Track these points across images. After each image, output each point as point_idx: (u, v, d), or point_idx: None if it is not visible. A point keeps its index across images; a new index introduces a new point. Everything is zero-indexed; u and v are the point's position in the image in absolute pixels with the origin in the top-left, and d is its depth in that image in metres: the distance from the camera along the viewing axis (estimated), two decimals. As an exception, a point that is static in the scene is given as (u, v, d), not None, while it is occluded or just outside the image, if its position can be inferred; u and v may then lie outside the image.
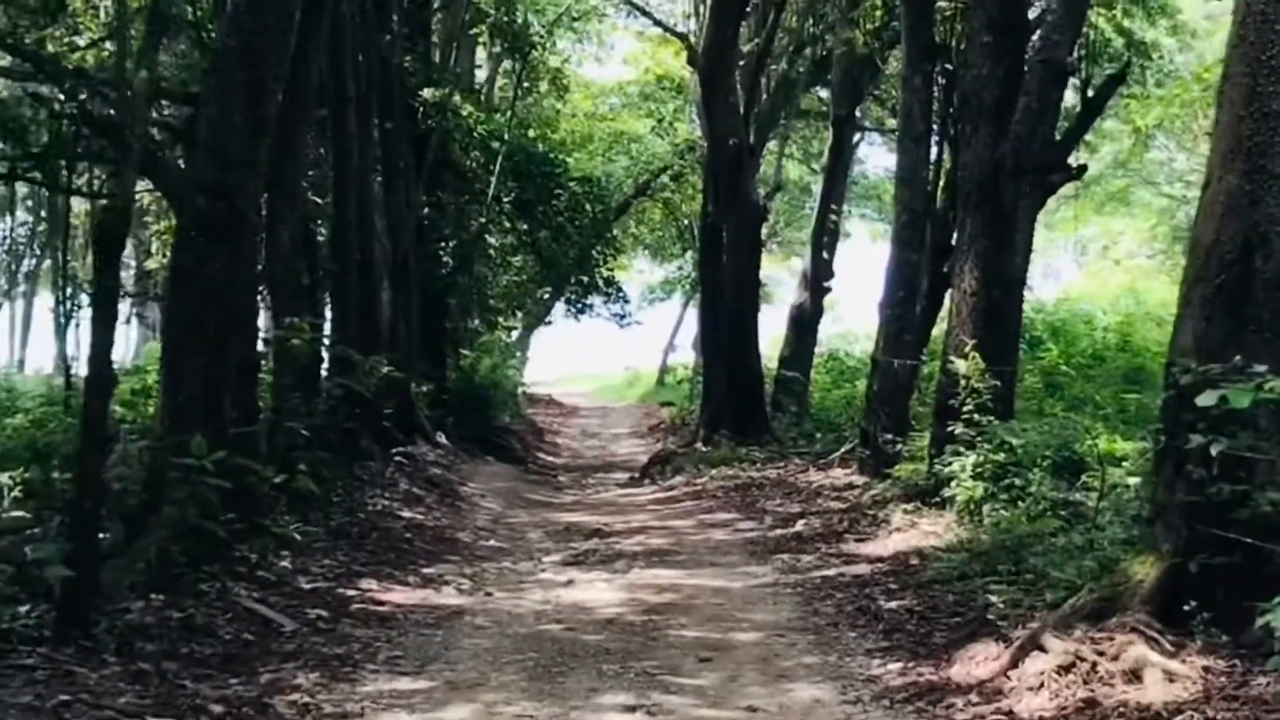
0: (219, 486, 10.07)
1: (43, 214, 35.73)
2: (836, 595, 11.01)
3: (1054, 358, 26.29)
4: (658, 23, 33.45)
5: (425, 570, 12.29)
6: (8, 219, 40.22)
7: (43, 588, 8.45)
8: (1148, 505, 8.41)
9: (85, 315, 30.66)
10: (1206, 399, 7.29)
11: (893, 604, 10.42)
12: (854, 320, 42.70)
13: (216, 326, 10.70)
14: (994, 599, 9.62)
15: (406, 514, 15.62)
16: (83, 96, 19.09)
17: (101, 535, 11.19)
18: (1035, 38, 14.78)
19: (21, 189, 29.07)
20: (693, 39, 27.65)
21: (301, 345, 13.25)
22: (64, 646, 7.86)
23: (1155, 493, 8.17)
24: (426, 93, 24.65)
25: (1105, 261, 46.14)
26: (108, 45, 20.84)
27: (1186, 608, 7.46)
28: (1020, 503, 12.45)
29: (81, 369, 10.65)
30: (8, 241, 41.94)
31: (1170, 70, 33.64)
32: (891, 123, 36.40)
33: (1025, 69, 14.27)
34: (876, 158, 47.34)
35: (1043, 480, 12.64)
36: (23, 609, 8.27)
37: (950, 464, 13.25)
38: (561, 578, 12.17)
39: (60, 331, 20.98)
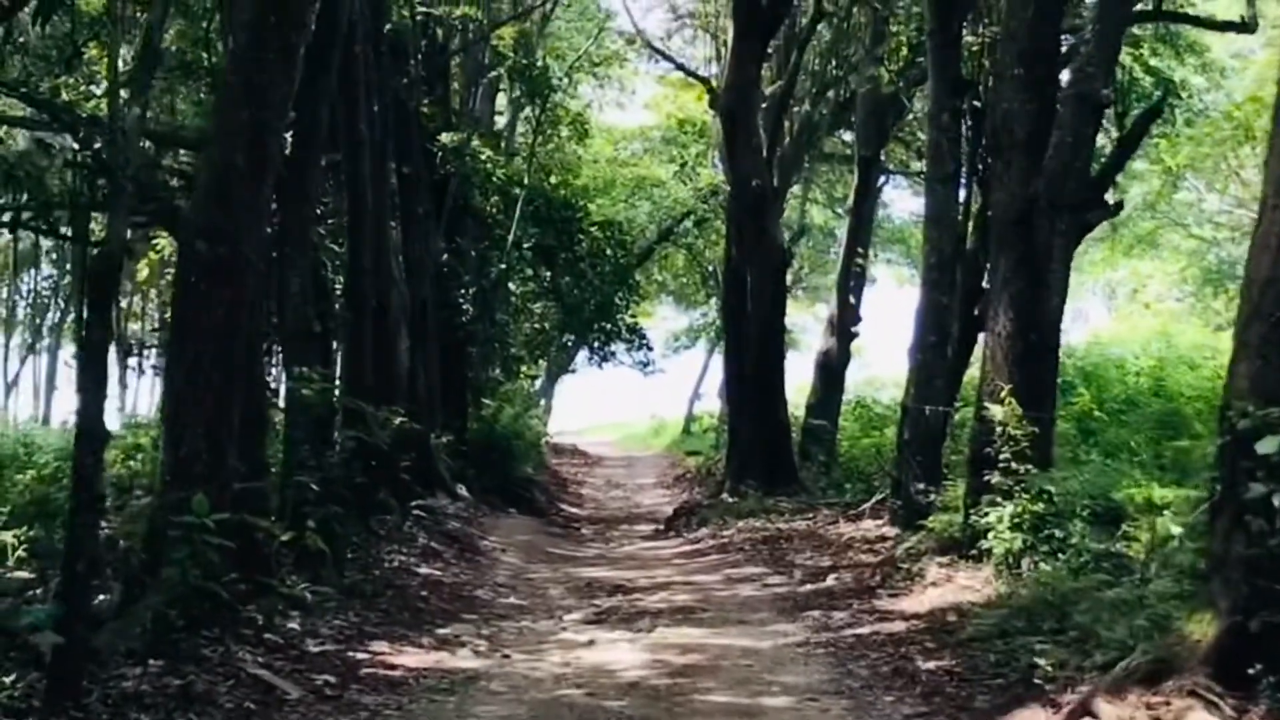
0: (221, 546, 9.57)
1: (67, 267, 35.65)
2: (871, 655, 10.45)
3: (1086, 403, 25.64)
4: (679, 66, 33.09)
5: (441, 630, 11.77)
6: (32, 272, 40.45)
7: (35, 654, 7.98)
8: (1203, 559, 7.90)
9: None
10: (1267, 445, 6.83)
11: (931, 664, 9.86)
12: (881, 366, 42.29)
13: (219, 377, 10.23)
14: (1039, 660, 9.06)
15: (423, 570, 15.13)
16: (97, 145, 18.86)
17: (102, 597, 10.86)
18: (1068, 71, 14.31)
19: (46, 243, 28.84)
20: (714, 82, 27.31)
21: (312, 396, 12.77)
22: (54, 717, 7.42)
23: (1211, 546, 7.65)
24: (445, 137, 24.34)
25: (1135, 305, 45.54)
26: (123, 93, 20.73)
27: (1250, 670, 6.92)
28: (1061, 555, 11.91)
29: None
30: (32, 295, 42.24)
31: (1200, 109, 33.22)
32: (916, 165, 36.18)
33: (1058, 103, 13.79)
34: (901, 201, 47.11)
35: (1084, 532, 12.13)
36: (8, 679, 7.79)
37: (987, 515, 12.68)
38: (583, 637, 11.63)
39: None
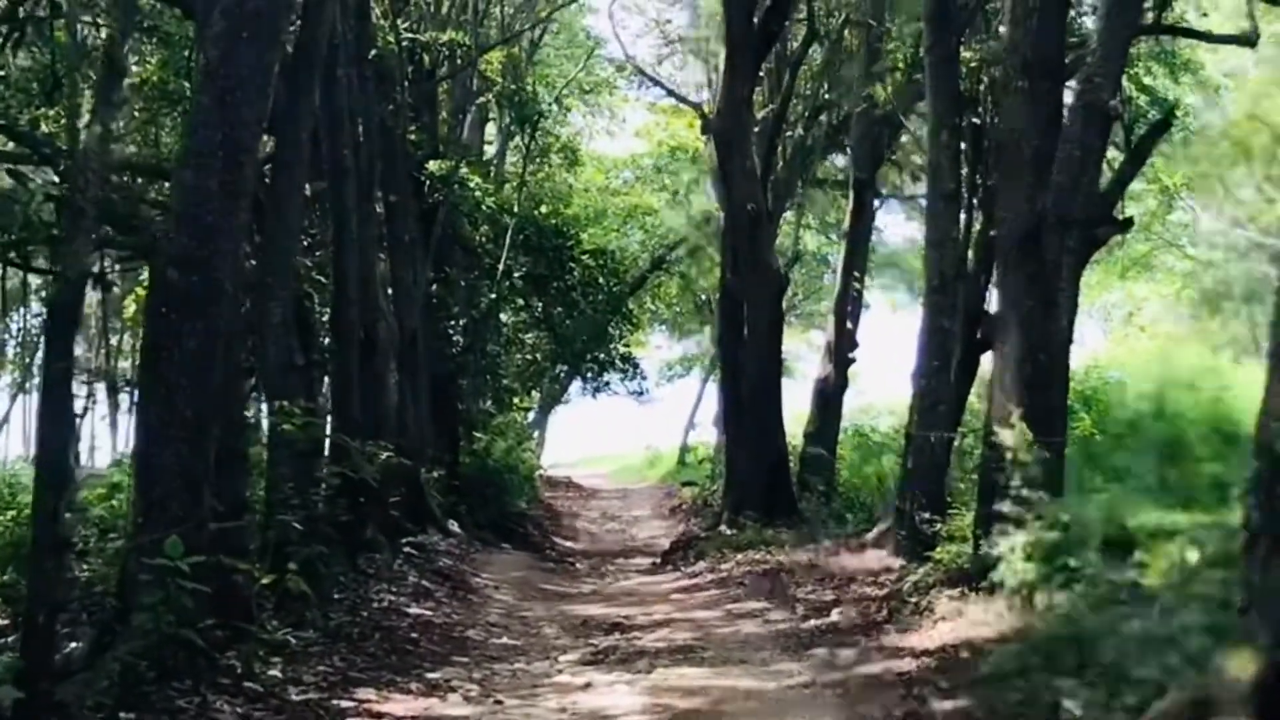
0: (196, 590, 9.05)
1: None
2: (882, 696, 9.89)
3: (1087, 427, 25.26)
4: (670, 92, 32.78)
5: (430, 674, 11.21)
6: (21, 310, 40.07)
7: (-5, 710, 7.47)
8: (1234, 589, 7.40)
9: (97, 405, 30.40)
10: (1308, 467, 6.34)
11: (947, 705, 9.32)
12: (876, 393, 41.71)
13: (193, 412, 9.69)
14: (1066, 701, 8.52)
15: (414, 610, 14.57)
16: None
17: (74, 644, 10.33)
18: (1074, 81, 13.84)
19: (35, 279, 28.33)
20: (706, 108, 26.92)
21: (294, 431, 12.24)
22: (15, 778, 6.91)
23: (1247, 576, 7.14)
24: (433, 165, 23.92)
25: (1130, 328, 45.19)
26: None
27: (1296, 711, 6.41)
28: (1076, 586, 11.40)
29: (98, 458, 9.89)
30: (21, 333, 41.81)
31: (1197, 128, 32.89)
32: (910, 189, 35.84)
33: (1065, 115, 13.32)
34: (895, 226, 46.78)
35: (1099, 561, 11.63)
36: (-36, 738, 7.28)
37: (998, 545, 12.13)
38: (579, 680, 11.07)
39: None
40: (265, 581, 11.06)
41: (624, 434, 62.31)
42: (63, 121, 18.50)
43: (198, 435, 9.74)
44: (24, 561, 12.15)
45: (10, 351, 42.44)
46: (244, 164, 9.96)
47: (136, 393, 13.48)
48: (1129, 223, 15.00)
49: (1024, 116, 13.09)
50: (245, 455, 12.02)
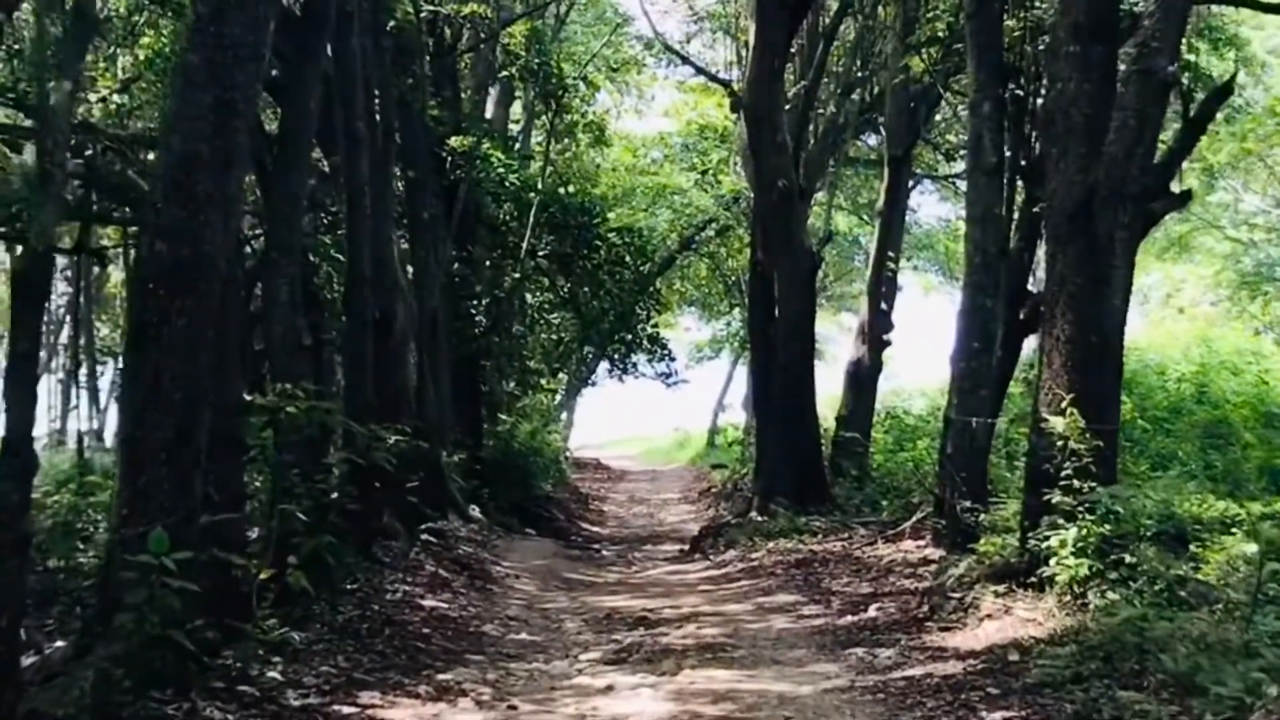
0: (183, 588, 8.34)
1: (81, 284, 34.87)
2: (926, 703, 9.14)
3: (1129, 411, 24.46)
4: (699, 70, 31.98)
5: (441, 676, 10.49)
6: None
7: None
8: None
9: (105, 383, 29.91)
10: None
11: (997, 716, 8.56)
12: (909, 376, 41.01)
13: (182, 395, 8.98)
14: (1130, 716, 7.76)
15: (428, 602, 13.87)
16: (88, 153, 17.86)
17: (59, 644, 9.68)
18: (1129, 46, 13.00)
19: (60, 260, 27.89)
20: (736, 86, 26.13)
21: (298, 414, 11.51)
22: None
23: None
24: (455, 141, 23.19)
25: (1168, 310, 44.38)
26: (115, 99, 19.78)
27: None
28: (1131, 583, 10.67)
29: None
30: (44, 313, 41.45)
31: (1241, 105, 31.96)
32: (945, 168, 35.05)
33: (1119, 82, 12.50)
34: (929, 206, 45.93)
35: (1156, 556, 10.92)
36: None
37: (1048, 538, 11.39)
38: (600, 682, 10.36)
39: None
40: (263, 576, 10.33)
41: (653, 415, 61.85)
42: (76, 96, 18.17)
43: (187, 420, 9.02)
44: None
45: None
46: (237, 129, 9.22)
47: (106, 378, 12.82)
48: (1187, 196, 14.14)
49: (1076, 83, 12.29)
50: (243, 441, 11.33)
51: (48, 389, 42.58)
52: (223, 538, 9.88)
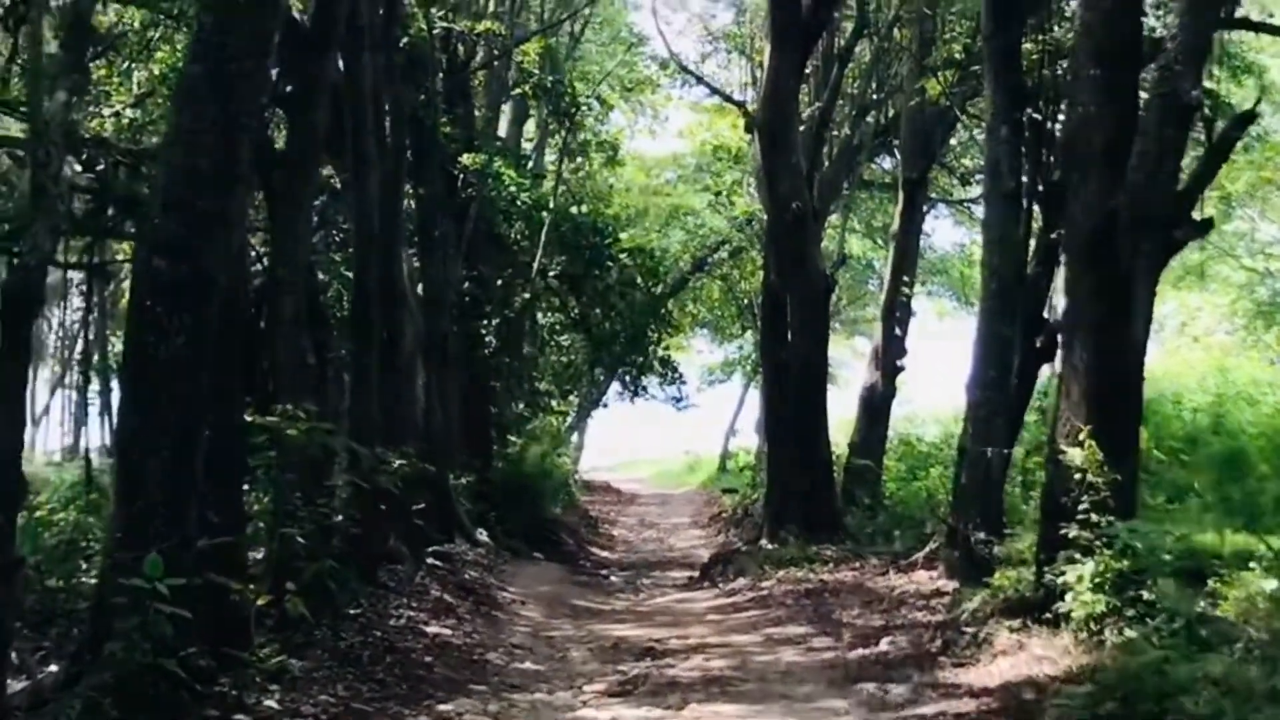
0: (175, 615, 8.12)
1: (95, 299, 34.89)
2: (939, 743, 8.90)
3: (1144, 442, 24.12)
4: (715, 90, 31.86)
5: (442, 706, 10.25)
6: (61, 304, 39.74)
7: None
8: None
9: (116, 399, 29.77)
10: None
11: (1012, 758, 8.31)
12: (921, 402, 40.71)
13: (179, 417, 8.78)
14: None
15: (432, 629, 13.62)
16: (100, 167, 17.73)
17: (52, 668, 9.47)
18: (1152, 69, 12.78)
19: (75, 274, 27.83)
20: (750, 107, 25.95)
21: (299, 435, 11.30)
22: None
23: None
24: (466, 158, 23.02)
25: (1183, 339, 44.06)
26: (128, 113, 19.64)
27: None
28: (1149, 620, 10.40)
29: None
30: (61, 327, 41.53)
31: (1260, 134, 31.70)
32: (960, 192, 34.84)
33: (1141, 107, 12.27)
34: (943, 230, 45.70)
35: (1174, 592, 10.66)
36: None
37: (1064, 573, 11.13)
38: (604, 715, 10.12)
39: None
40: (261, 602, 10.10)
41: (664, 438, 61.58)
42: (89, 109, 18.07)
43: (185, 441, 8.82)
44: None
45: (51, 345, 42.29)
46: (239, 143, 9.00)
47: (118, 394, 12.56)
48: (1209, 224, 13.85)
49: (1097, 107, 12.05)
50: (243, 463, 11.11)
51: (62, 404, 42.82)
52: (221, 562, 9.64)
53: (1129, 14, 12.21)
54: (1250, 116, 14.24)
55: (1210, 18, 12.93)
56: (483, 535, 21.13)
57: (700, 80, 32.84)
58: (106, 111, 18.89)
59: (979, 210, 23.62)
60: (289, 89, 14.23)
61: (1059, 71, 16.52)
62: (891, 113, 28.31)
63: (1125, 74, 12.14)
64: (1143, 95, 12.59)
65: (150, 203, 9.34)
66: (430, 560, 17.34)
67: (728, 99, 30.75)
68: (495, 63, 26.03)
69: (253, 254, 16.30)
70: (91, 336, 26.06)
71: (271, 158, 13.87)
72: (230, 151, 8.95)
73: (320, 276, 18.21)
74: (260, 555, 12.15)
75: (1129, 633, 10.31)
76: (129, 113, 19.51)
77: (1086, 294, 12.00)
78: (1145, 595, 10.61)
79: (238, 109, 9.00)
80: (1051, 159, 16.66)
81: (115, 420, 12.64)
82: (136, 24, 19.44)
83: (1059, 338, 13.72)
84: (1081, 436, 11.50)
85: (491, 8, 25.00)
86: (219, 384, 9.61)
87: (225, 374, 9.97)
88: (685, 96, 39.13)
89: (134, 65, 19.78)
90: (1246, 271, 41.99)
